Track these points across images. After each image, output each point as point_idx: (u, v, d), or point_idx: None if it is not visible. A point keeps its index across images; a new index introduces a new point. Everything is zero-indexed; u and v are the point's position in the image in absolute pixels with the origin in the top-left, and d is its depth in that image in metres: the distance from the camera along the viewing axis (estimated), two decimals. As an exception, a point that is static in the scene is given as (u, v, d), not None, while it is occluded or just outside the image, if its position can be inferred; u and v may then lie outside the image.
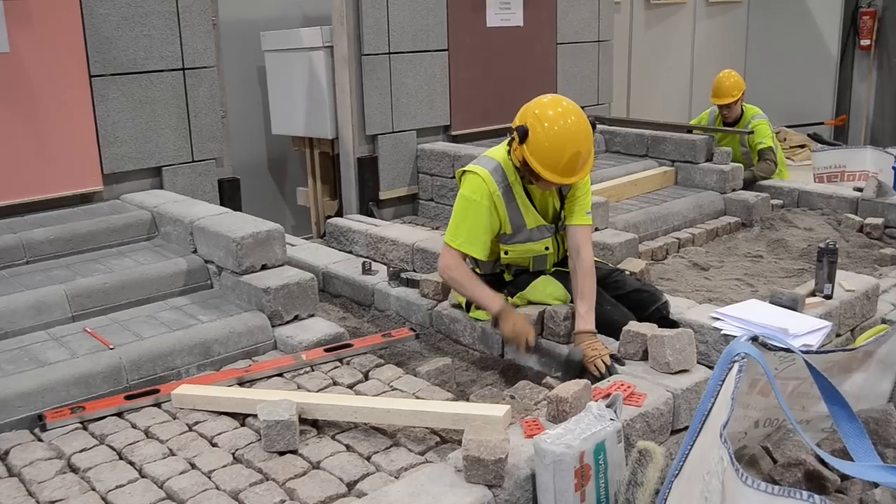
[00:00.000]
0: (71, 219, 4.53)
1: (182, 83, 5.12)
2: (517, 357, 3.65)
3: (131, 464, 2.84)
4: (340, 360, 3.64)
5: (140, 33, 4.89)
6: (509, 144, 3.57)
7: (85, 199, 4.86)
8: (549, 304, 3.67)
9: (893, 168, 6.49)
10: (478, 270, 3.89)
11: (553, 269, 3.78)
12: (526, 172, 3.50)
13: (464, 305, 3.93)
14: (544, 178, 3.42)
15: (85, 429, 3.10)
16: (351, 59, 6.05)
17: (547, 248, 3.70)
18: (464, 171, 3.70)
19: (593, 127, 3.49)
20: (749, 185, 6.63)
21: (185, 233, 4.36)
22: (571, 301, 3.63)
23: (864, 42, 10.78)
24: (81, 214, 4.62)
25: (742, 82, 6.96)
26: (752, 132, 6.83)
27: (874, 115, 10.96)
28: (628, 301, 3.75)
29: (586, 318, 3.47)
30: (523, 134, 3.43)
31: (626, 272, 4.19)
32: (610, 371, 3.23)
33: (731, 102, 6.89)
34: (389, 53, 6.20)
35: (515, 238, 3.66)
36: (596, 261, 3.94)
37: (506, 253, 3.72)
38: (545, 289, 3.69)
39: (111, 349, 3.47)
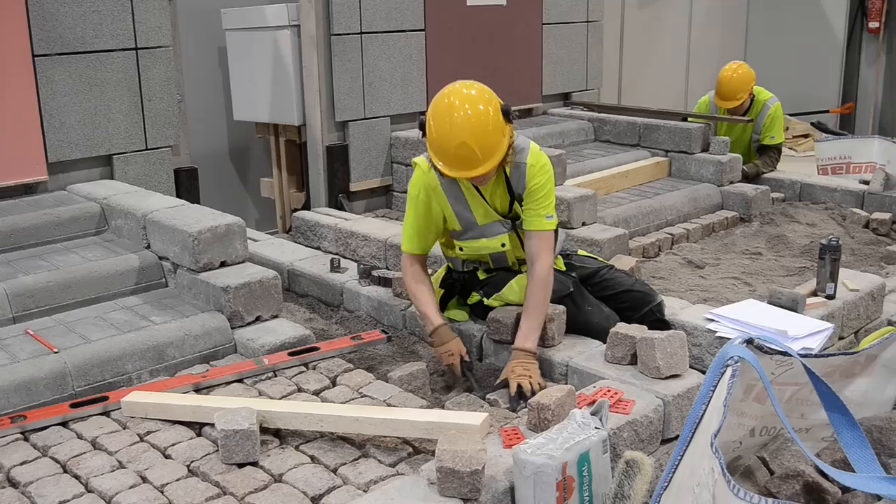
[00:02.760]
0: (12, 211, 4.51)
1: (135, 64, 5.09)
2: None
3: (76, 477, 2.83)
4: (306, 365, 3.64)
5: (88, 9, 4.85)
6: None
7: (28, 189, 4.83)
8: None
9: (902, 159, 6.55)
10: (451, 266, 3.91)
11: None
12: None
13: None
14: (442, 172, 3.45)
15: (26, 439, 3.08)
16: (319, 39, 6.03)
17: (503, 245, 3.68)
18: (414, 162, 3.74)
19: (507, 115, 3.43)
20: (752, 179, 6.66)
21: (137, 227, 4.34)
22: (551, 301, 3.61)
23: (873, 24, 10.87)
24: (24, 206, 4.59)
25: (749, 76, 6.78)
26: (752, 120, 6.86)
27: (883, 103, 11.05)
28: (619, 302, 3.76)
29: (526, 336, 3.44)
30: (420, 126, 3.50)
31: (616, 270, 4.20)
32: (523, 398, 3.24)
33: (737, 105, 6.80)
34: (361, 33, 6.19)
35: (467, 234, 3.68)
36: (585, 255, 3.94)
37: (461, 249, 3.74)
38: (522, 288, 3.69)
39: (55, 353, 3.45)
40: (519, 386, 3.27)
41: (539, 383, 3.29)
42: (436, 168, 3.48)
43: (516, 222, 3.69)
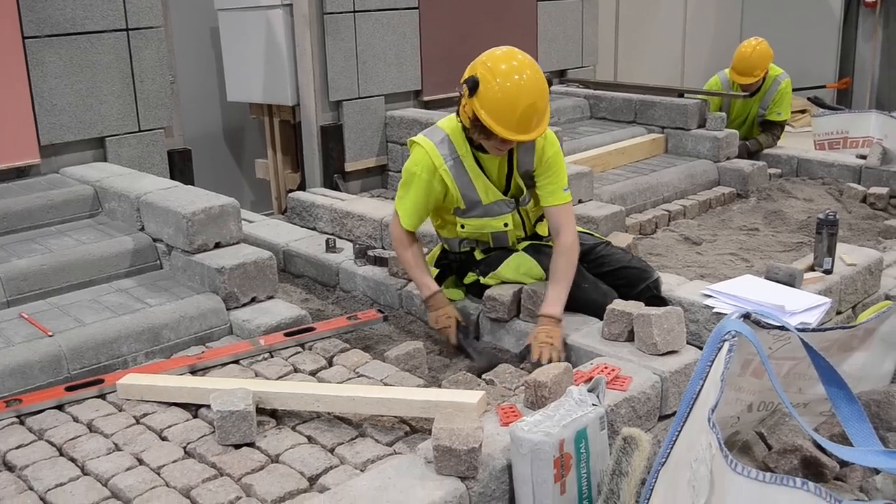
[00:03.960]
0: (5, 195, 4.48)
1: (126, 45, 5.05)
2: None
3: (73, 460, 2.82)
4: (302, 345, 3.63)
5: (78, -11, 4.82)
6: (458, 104, 3.54)
7: (20, 173, 4.80)
8: (525, 283, 3.68)
9: (899, 134, 6.53)
10: (446, 247, 3.90)
11: (527, 245, 3.78)
12: (476, 131, 3.44)
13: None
14: (497, 135, 3.38)
15: (22, 423, 3.07)
16: (312, 18, 5.99)
17: (506, 225, 3.70)
18: (411, 141, 3.71)
19: (549, 84, 3.49)
20: (753, 155, 6.64)
21: (131, 209, 4.32)
22: (547, 279, 3.64)
23: (870, -2, 10.83)
24: (16, 190, 4.57)
25: (769, 53, 6.73)
26: (748, 95, 6.83)
27: (879, 78, 11.01)
28: (615, 278, 3.75)
29: (551, 302, 3.48)
30: (473, 85, 3.39)
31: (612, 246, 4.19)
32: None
33: (753, 82, 6.77)
34: (354, 12, 6.15)
35: (470, 213, 3.67)
36: (582, 232, 3.93)
37: (462, 227, 3.73)
38: (519, 267, 3.70)
39: (50, 336, 3.44)
40: (530, 354, 3.35)
41: (559, 351, 3.34)
42: (484, 130, 3.40)
43: (520, 199, 3.68)
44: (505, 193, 3.67)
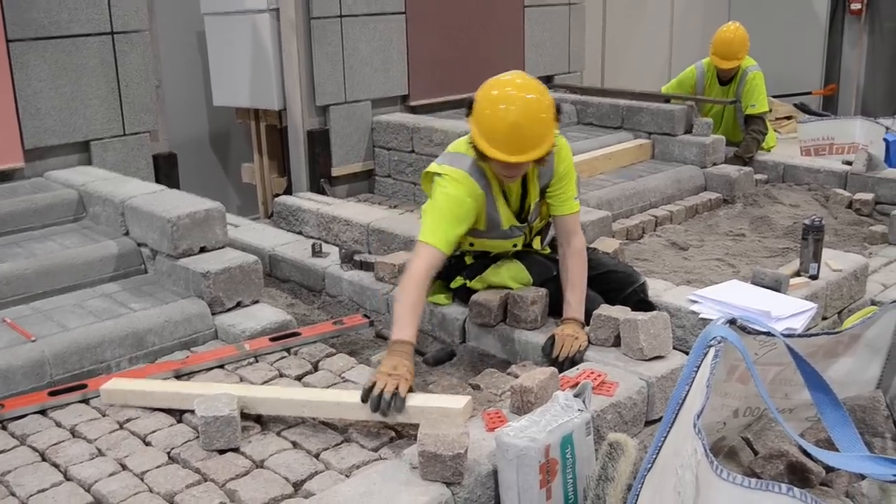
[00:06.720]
0: (-12, 198, 4.46)
1: (111, 48, 5.04)
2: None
3: (55, 466, 2.80)
4: (287, 350, 3.62)
5: (63, -8, 4.80)
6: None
7: (4, 176, 4.78)
8: (511, 288, 3.67)
9: (885, 140, 6.56)
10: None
11: (515, 251, 3.78)
12: (477, 153, 3.40)
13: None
14: (487, 155, 3.33)
15: (4, 428, 3.06)
16: (299, 22, 5.99)
17: (515, 246, 3.73)
18: (431, 173, 3.55)
19: (558, 111, 3.42)
20: (746, 161, 6.66)
21: (115, 213, 4.30)
22: (534, 284, 3.67)
23: (855, 6, 10.87)
24: (0, 193, 4.54)
25: (746, 37, 6.83)
26: (734, 101, 6.85)
27: (865, 84, 11.06)
28: (602, 283, 3.75)
29: (573, 306, 3.50)
30: (469, 104, 3.42)
31: (599, 252, 4.20)
32: (573, 360, 3.26)
33: (732, 67, 6.83)
34: (341, 16, 6.15)
35: (487, 234, 3.65)
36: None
37: (471, 245, 3.72)
38: (507, 271, 3.69)
39: (33, 341, 3.41)
40: (552, 347, 3.33)
41: (581, 348, 3.31)
42: (478, 152, 3.37)
43: (529, 219, 3.69)
44: (518, 216, 3.66)
